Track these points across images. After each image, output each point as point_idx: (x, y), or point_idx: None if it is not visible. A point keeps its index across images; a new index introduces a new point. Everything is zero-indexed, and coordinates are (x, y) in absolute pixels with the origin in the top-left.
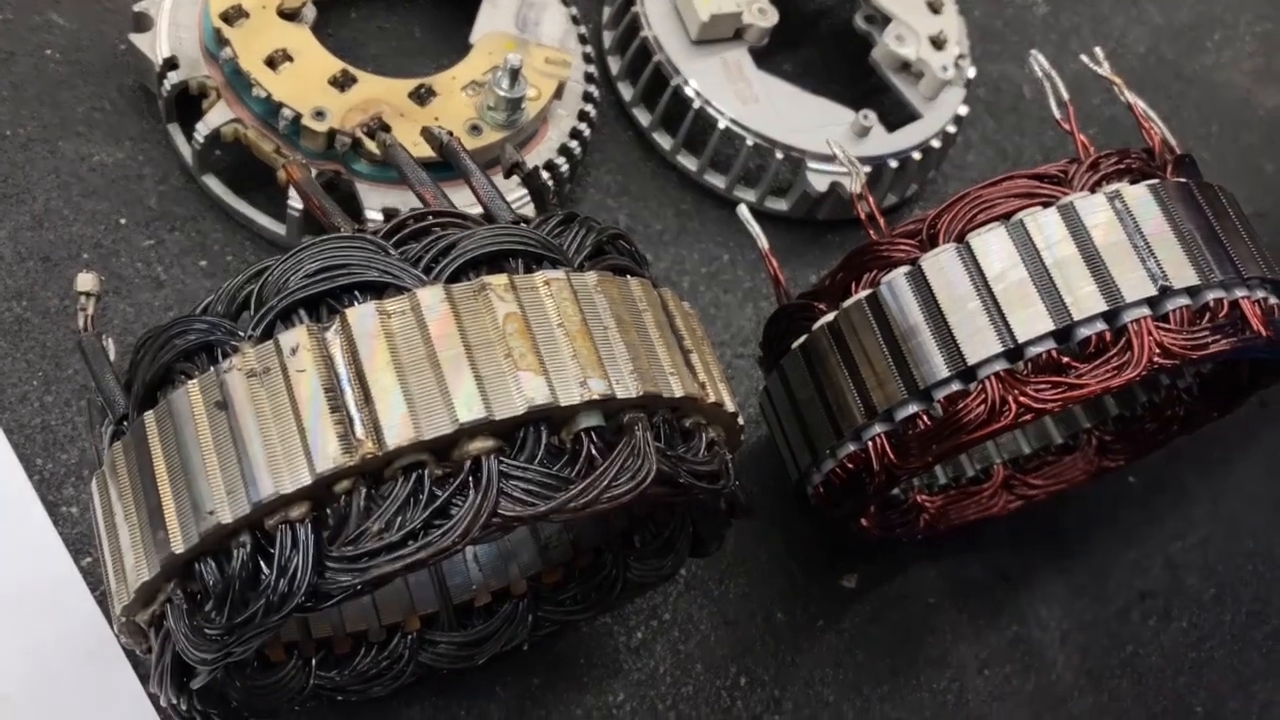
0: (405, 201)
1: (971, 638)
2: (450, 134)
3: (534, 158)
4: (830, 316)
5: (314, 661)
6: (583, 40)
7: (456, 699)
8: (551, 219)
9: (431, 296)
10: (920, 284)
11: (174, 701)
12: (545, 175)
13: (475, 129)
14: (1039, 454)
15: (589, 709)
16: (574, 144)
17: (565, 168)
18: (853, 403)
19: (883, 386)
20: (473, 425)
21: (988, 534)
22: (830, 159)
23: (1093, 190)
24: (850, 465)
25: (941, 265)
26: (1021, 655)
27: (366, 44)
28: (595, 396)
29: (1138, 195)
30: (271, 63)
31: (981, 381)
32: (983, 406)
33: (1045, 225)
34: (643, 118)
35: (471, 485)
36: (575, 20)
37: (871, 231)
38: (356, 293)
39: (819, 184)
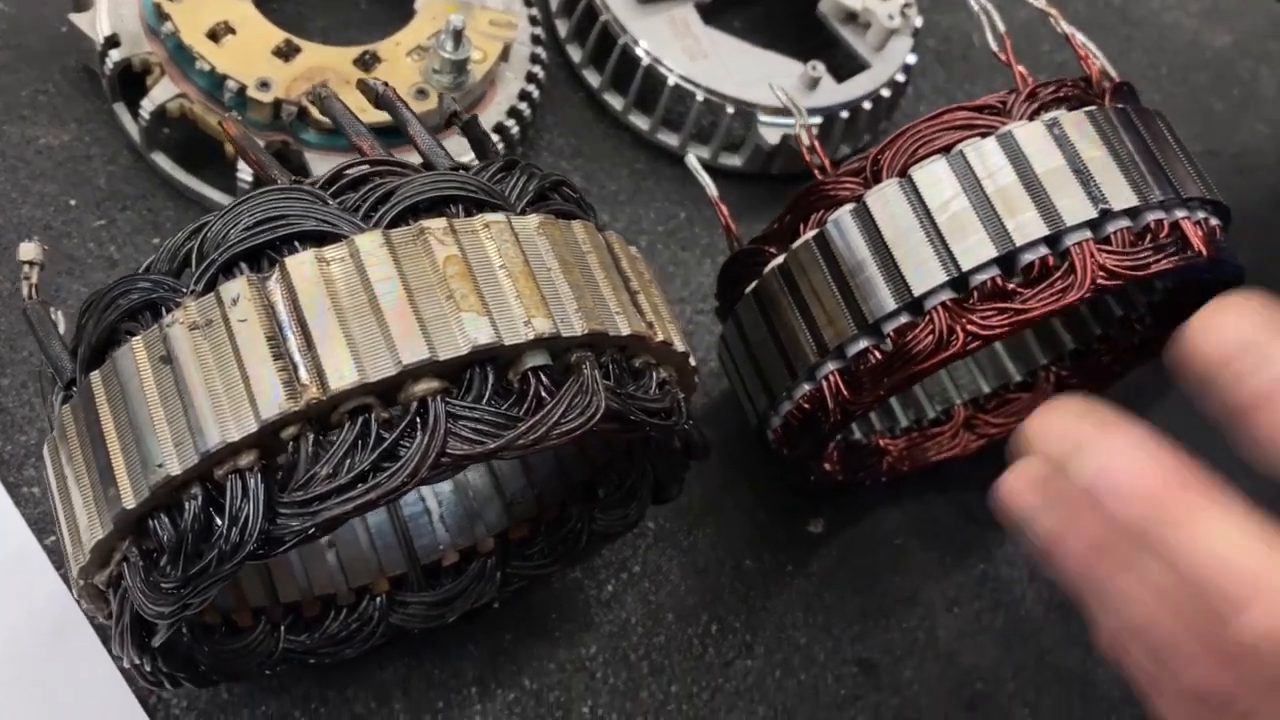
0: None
1: (940, 577)
2: (386, 84)
3: (483, 119)
4: (780, 259)
5: (283, 626)
6: (528, 3)
7: (429, 658)
8: (492, 165)
9: (370, 242)
10: (865, 220)
11: (137, 662)
12: (495, 138)
13: (421, 93)
14: (998, 392)
15: (562, 662)
16: (523, 105)
17: (515, 129)
18: (805, 342)
19: (833, 324)
20: (416, 366)
21: (952, 474)
22: (781, 112)
23: (1031, 119)
24: (806, 405)
25: (885, 200)
26: (990, 592)
27: (313, 18)
28: (540, 335)
29: (1075, 121)
30: (214, 35)
31: (929, 312)
32: (931, 337)
33: (985, 154)
34: (593, 79)
35: (419, 426)
36: None
37: (816, 172)
38: (297, 243)
39: (771, 137)
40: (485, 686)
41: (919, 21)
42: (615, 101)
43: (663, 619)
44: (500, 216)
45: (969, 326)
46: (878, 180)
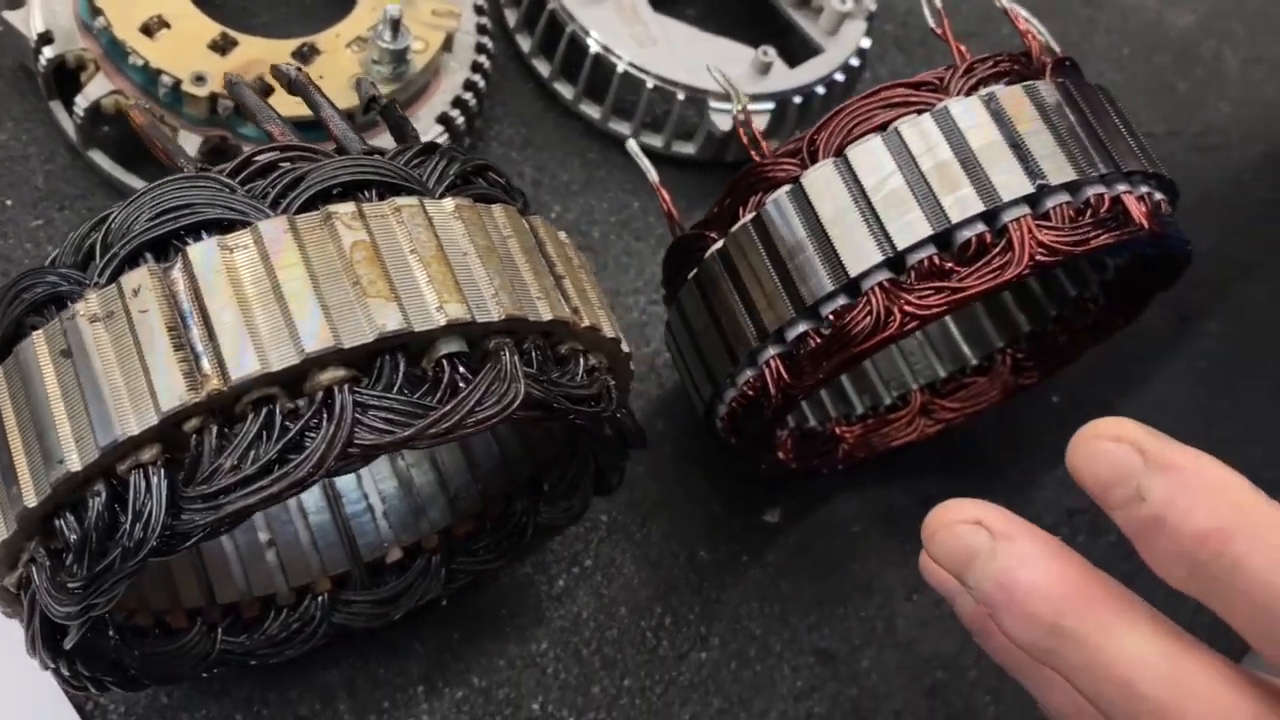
0: None
1: (899, 564)
2: (299, 68)
3: (427, 111)
4: (720, 243)
5: (220, 628)
6: None
7: (375, 657)
8: (409, 150)
9: (274, 229)
10: (802, 201)
11: (52, 665)
12: (438, 129)
13: (361, 85)
14: (955, 377)
15: (512, 659)
16: (468, 96)
17: (460, 120)
18: (746, 327)
19: (773, 307)
20: (320, 355)
21: (910, 460)
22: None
23: (969, 94)
24: (750, 391)
25: (821, 180)
26: None
27: (257, 12)
28: (453, 320)
29: (1013, 95)
30: (148, 30)
31: (866, 293)
32: (869, 318)
33: (920, 131)
34: (542, 68)
35: (325, 416)
36: None
37: (754, 154)
38: (203, 231)
39: (722, 123)
40: (432, 685)
41: (873, 5)
42: (565, 91)
43: (615, 613)
44: (413, 200)
45: (906, 307)
46: (815, 160)
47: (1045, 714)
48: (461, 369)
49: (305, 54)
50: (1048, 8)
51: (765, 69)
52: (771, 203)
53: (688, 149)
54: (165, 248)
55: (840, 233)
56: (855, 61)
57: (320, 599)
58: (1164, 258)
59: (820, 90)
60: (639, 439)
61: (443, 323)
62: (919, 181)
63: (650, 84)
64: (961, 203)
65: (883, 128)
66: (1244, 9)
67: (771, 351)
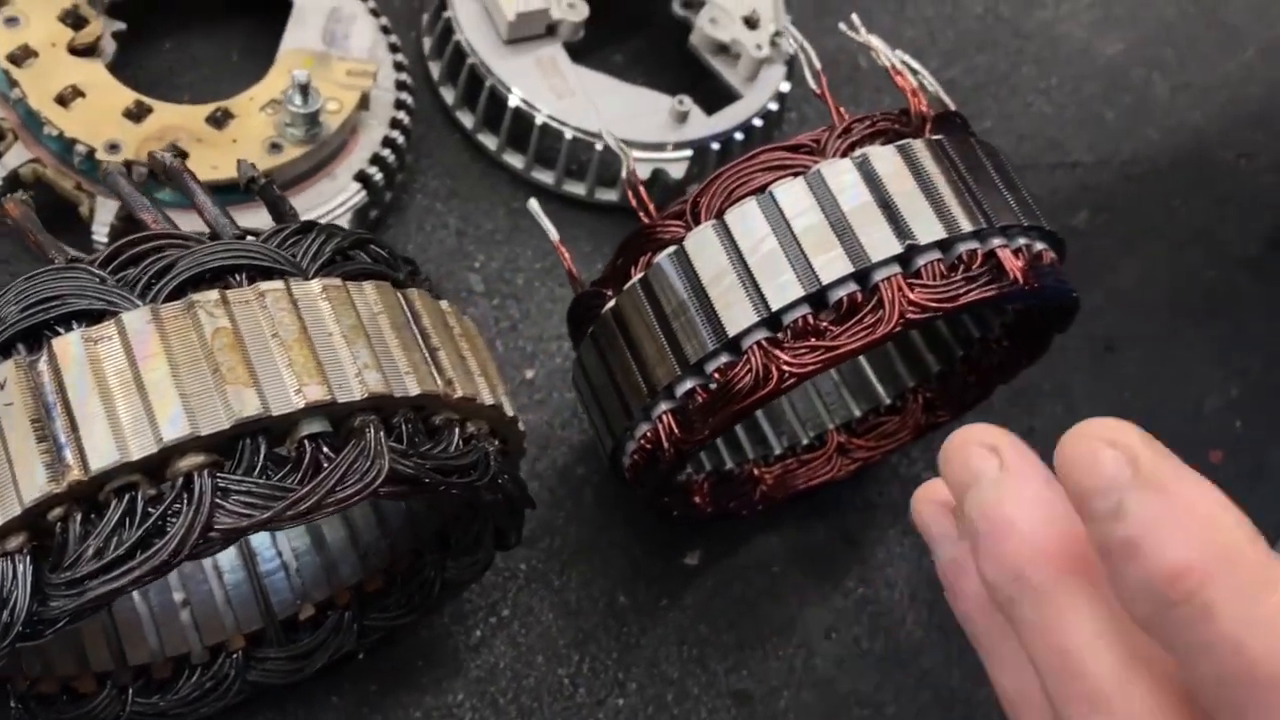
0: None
1: (817, 603)
2: (175, 153)
3: (345, 169)
4: (613, 301)
5: (131, 690)
6: (394, 49)
7: (293, 712)
8: (284, 230)
9: (137, 319)
10: (684, 263)
11: None
12: (356, 186)
13: (275, 147)
14: (869, 416)
15: (428, 710)
16: (387, 152)
17: (379, 177)
18: (639, 383)
19: (661, 364)
20: (179, 442)
21: (830, 498)
22: (651, 147)
23: (844, 155)
24: (647, 445)
25: (701, 242)
26: (869, 616)
27: (182, 73)
28: (313, 402)
29: (884, 156)
30: (63, 100)
31: (746, 351)
32: (750, 375)
33: (794, 194)
34: (466, 120)
35: (185, 501)
36: (386, 30)
37: (642, 215)
38: (74, 321)
39: (640, 172)
40: None
41: (792, 49)
42: (489, 141)
43: (533, 661)
44: (278, 284)
45: (784, 366)
46: (698, 222)
47: (996, 696)
48: (325, 448)
49: (219, 118)
50: (976, 41)
51: (682, 118)
52: (658, 263)
53: (610, 196)
54: (37, 337)
55: (719, 293)
56: (774, 106)
57: (234, 657)
58: (1053, 306)
59: (739, 136)
60: (524, 502)
61: (302, 405)
62: (791, 244)
63: (569, 135)
64: (832, 264)
65: (761, 190)
66: (1174, 35)
67: (663, 407)
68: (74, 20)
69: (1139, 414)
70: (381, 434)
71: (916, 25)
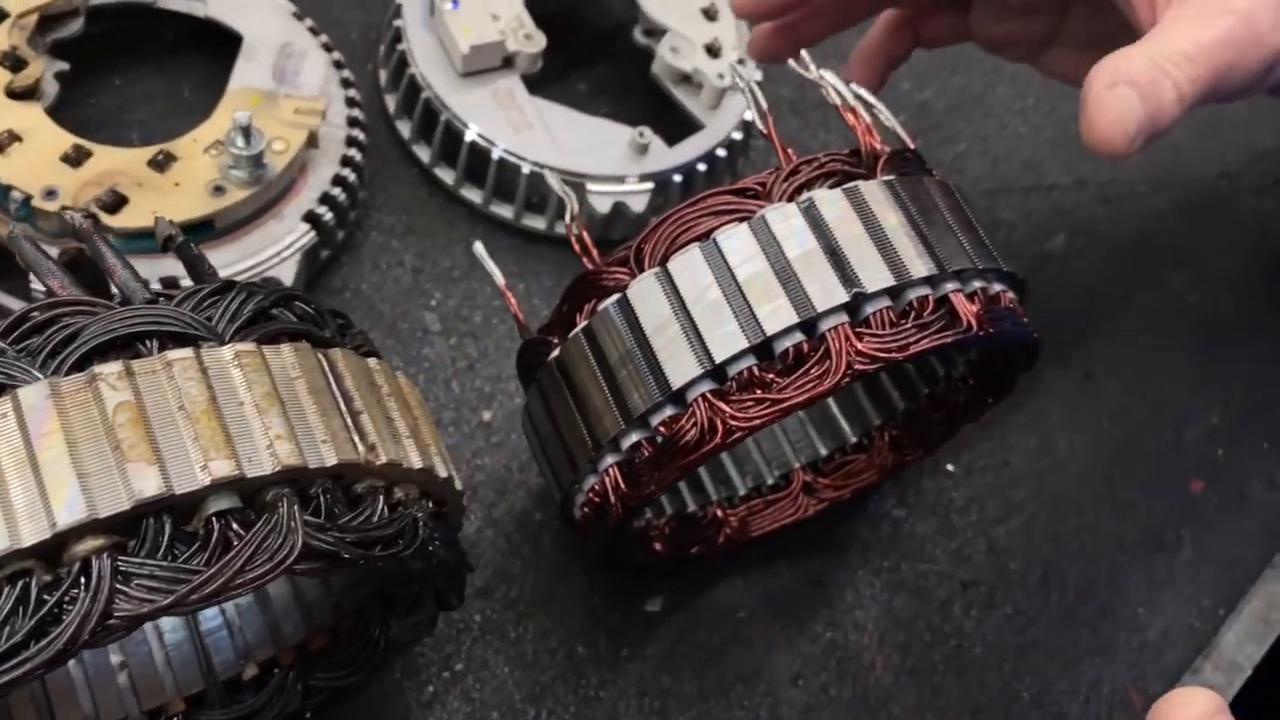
0: (156, 270)
1: (784, 648)
2: (87, 215)
3: (294, 209)
4: (557, 350)
5: None
6: (347, 84)
7: None
8: (201, 291)
9: (34, 395)
10: (627, 312)
11: None
12: (304, 227)
13: (219, 190)
14: (835, 455)
15: None
16: (337, 191)
17: (329, 217)
18: (584, 436)
19: (606, 417)
20: (75, 526)
21: (797, 539)
22: (612, 179)
23: (791, 199)
24: (595, 499)
25: (644, 291)
26: (837, 662)
27: (132, 110)
28: (219, 478)
29: (832, 200)
30: (0, 146)
31: (691, 404)
32: (695, 429)
33: (738, 241)
34: (423, 154)
35: (83, 587)
36: (339, 65)
37: (586, 261)
38: None
39: (601, 205)
40: None
41: (759, 75)
42: (446, 176)
43: (488, 718)
44: (187, 352)
45: (729, 420)
46: (642, 269)
47: None
48: (235, 525)
49: (161, 161)
50: (950, 61)
51: (643, 149)
52: (601, 312)
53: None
54: None
55: (663, 344)
56: (738, 135)
57: None
58: (1014, 346)
59: (701, 167)
60: (460, 568)
61: (207, 482)
62: (735, 293)
63: (527, 169)
64: (776, 313)
65: (705, 237)
66: None
67: (609, 460)
68: (12, 62)
69: (1118, 444)
70: (296, 508)
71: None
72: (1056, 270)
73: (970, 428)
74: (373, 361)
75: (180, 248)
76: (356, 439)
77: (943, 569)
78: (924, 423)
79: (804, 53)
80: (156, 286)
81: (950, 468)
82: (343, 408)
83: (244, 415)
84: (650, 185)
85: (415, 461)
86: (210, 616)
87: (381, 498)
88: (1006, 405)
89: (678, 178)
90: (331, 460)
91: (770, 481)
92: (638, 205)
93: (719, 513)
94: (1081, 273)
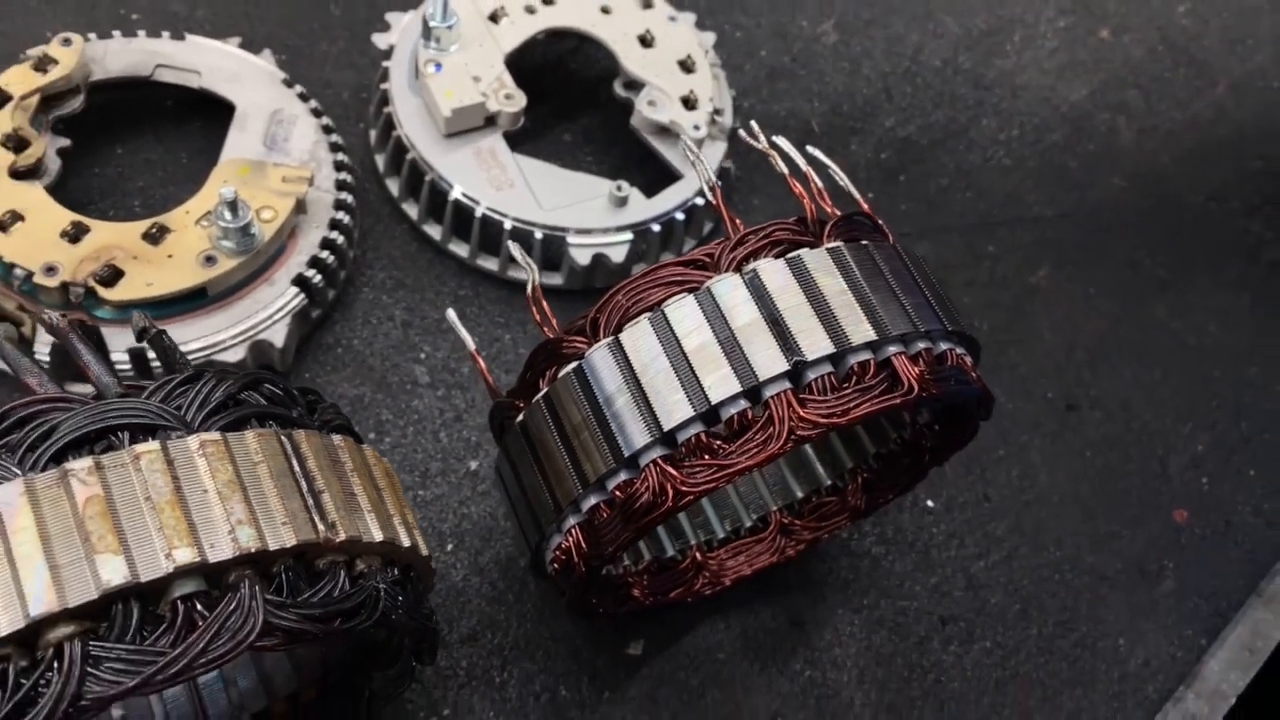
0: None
1: (763, 688)
2: (64, 316)
3: (284, 274)
4: (521, 415)
5: None
6: (336, 148)
7: None
8: (172, 381)
9: (10, 492)
10: (583, 380)
11: None
12: (294, 291)
13: (210, 260)
14: (811, 497)
15: None
16: (325, 254)
17: (318, 279)
18: (547, 498)
19: (566, 480)
20: (47, 616)
21: (776, 578)
22: (593, 231)
23: (738, 269)
24: (562, 556)
25: (597, 362)
26: (816, 700)
27: (134, 178)
28: (182, 566)
29: (774, 270)
30: (2, 225)
31: (644, 470)
32: (648, 493)
33: (684, 313)
34: (411, 211)
35: (56, 671)
36: (328, 129)
37: (546, 330)
38: None
39: (581, 257)
40: None
41: (731, 123)
42: (434, 232)
43: None
44: (154, 445)
45: (680, 485)
46: (598, 338)
47: None
48: (199, 607)
49: (155, 234)
50: (934, 95)
51: (622, 202)
52: (561, 379)
53: (555, 280)
54: None
55: (615, 412)
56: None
57: None
58: (969, 400)
59: (680, 216)
60: (425, 633)
61: (170, 569)
62: (683, 363)
63: (508, 225)
64: (721, 383)
65: (655, 308)
66: (1141, 76)
67: (572, 520)
68: (15, 143)
69: (1101, 475)
70: (257, 588)
71: (872, 83)
72: (1039, 302)
73: (951, 463)
74: (337, 438)
75: (154, 340)
76: (317, 518)
77: (922, 605)
78: (895, 465)
79: (753, 123)
80: (122, 357)
81: (930, 504)
82: (304, 488)
83: (207, 502)
84: (629, 236)
85: (376, 535)
86: None
87: (343, 571)
88: (988, 439)
89: (656, 227)
90: (291, 541)
91: (748, 524)
92: (617, 256)
93: (698, 556)
94: (1065, 303)
